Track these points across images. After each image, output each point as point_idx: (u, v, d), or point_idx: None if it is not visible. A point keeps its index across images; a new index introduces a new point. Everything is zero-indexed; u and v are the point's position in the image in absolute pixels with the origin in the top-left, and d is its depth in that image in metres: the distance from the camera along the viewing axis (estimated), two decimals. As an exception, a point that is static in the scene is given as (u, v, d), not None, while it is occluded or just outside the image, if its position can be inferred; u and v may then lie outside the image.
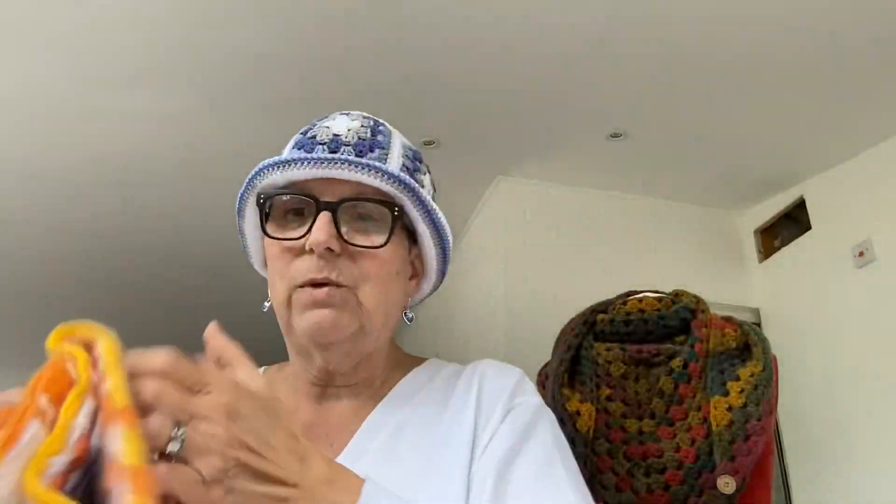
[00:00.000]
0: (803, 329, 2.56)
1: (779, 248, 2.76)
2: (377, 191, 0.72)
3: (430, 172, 0.81)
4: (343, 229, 0.71)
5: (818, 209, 2.64)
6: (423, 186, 0.76)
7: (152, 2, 1.83)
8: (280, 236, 0.72)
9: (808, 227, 2.65)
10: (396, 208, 0.72)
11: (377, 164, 0.72)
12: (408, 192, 0.73)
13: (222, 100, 2.26)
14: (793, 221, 2.74)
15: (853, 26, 1.94)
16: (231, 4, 1.85)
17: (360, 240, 0.72)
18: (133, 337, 0.48)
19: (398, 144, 0.78)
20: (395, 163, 0.75)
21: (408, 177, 0.73)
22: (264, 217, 0.74)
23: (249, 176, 0.75)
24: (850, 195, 2.51)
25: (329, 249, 0.69)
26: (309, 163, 0.71)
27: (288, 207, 0.74)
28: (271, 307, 0.75)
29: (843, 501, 2.31)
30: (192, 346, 0.50)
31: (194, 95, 2.24)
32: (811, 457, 2.44)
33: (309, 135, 0.76)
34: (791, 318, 2.61)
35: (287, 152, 0.76)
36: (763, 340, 1.10)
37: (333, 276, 0.69)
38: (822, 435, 2.42)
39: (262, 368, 0.82)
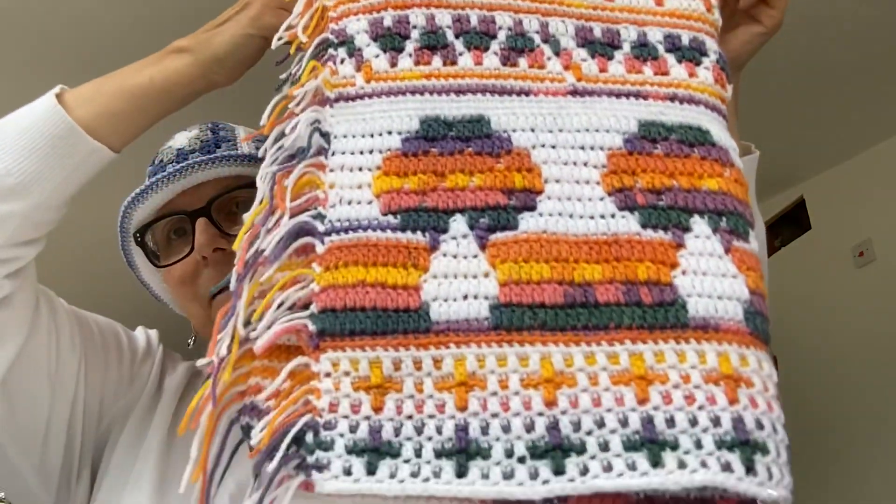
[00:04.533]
0: (803, 329, 2.72)
1: (779, 248, 2.92)
2: (240, 178, 0.77)
3: None
4: (224, 226, 0.76)
5: (818, 209, 2.79)
6: None
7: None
8: (171, 261, 0.78)
9: (808, 227, 2.80)
10: None
11: (227, 153, 0.78)
12: None
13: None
14: (793, 221, 2.90)
15: (853, 26, 2.08)
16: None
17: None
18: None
19: (243, 133, 0.84)
20: (245, 148, 0.80)
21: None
22: (151, 254, 0.80)
23: (119, 224, 0.79)
24: (850, 195, 2.66)
25: (220, 250, 0.75)
26: (163, 181, 0.76)
27: (168, 233, 0.80)
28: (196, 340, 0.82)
29: (843, 501, 2.45)
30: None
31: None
32: (812, 457, 2.52)
33: (156, 162, 0.81)
34: (791, 318, 2.75)
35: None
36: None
37: None
38: (823, 435, 2.54)
39: None
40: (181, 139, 0.82)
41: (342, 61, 0.56)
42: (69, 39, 1.95)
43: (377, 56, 0.55)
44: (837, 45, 2.19)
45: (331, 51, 0.56)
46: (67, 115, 0.63)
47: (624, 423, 0.45)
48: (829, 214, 2.77)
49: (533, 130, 0.53)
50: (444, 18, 0.56)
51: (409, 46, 0.56)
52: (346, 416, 0.46)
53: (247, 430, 0.49)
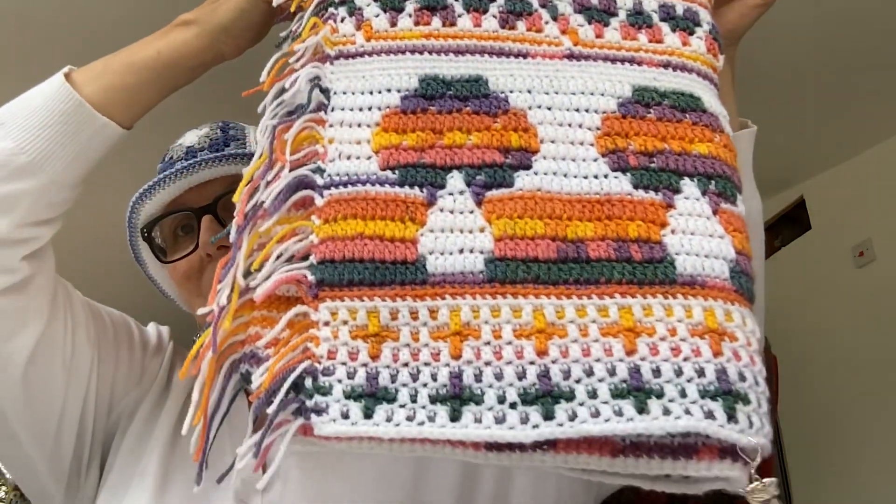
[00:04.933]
0: (803, 329, 2.73)
1: (779, 248, 2.93)
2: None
3: None
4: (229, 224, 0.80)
5: (818, 209, 2.81)
6: None
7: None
8: (176, 256, 0.80)
9: (808, 227, 2.82)
10: None
11: (235, 151, 0.81)
12: None
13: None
14: (793, 221, 2.92)
15: (853, 26, 2.08)
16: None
17: None
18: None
19: (254, 133, 0.83)
20: (254, 147, 0.80)
21: None
22: (157, 249, 0.82)
23: (127, 218, 0.82)
24: (850, 195, 2.67)
25: (224, 247, 0.76)
26: (171, 177, 0.78)
27: (175, 229, 0.82)
28: None
29: (843, 502, 2.45)
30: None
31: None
32: (811, 457, 2.57)
33: (166, 159, 0.84)
34: (791, 318, 2.75)
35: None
36: (763, 340, 1.26)
37: None
38: (823, 435, 2.56)
39: None
40: (191, 137, 0.84)
41: (342, 20, 0.58)
42: (69, 34, 1.96)
43: (377, 15, 0.58)
44: (838, 45, 2.18)
45: (331, 9, 0.59)
46: (76, 92, 0.65)
47: (612, 372, 0.47)
48: (829, 214, 2.78)
49: (530, 92, 0.55)
50: None
51: (409, 7, 0.58)
52: (343, 363, 0.48)
53: (246, 376, 0.51)
